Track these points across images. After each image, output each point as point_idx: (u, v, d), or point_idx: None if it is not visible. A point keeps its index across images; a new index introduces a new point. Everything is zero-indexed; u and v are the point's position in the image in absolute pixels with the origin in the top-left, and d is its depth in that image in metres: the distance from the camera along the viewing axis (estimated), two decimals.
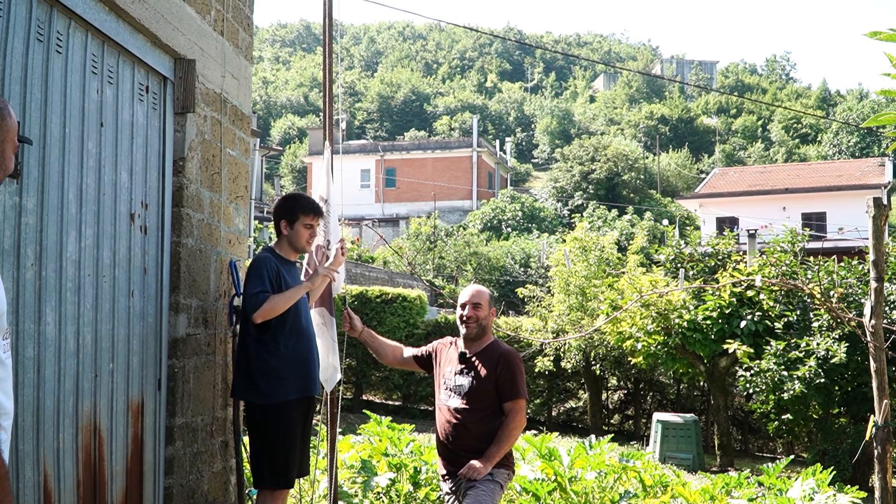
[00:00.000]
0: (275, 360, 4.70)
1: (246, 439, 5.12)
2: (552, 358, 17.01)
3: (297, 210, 4.92)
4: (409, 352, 5.24)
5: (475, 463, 4.52)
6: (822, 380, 11.73)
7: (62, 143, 3.85)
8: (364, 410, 13.74)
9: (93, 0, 4.04)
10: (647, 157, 66.04)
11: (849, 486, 7.97)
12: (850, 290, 12.09)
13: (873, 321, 5.70)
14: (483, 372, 4.70)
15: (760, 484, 8.19)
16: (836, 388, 12.06)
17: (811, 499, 7.02)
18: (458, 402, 4.71)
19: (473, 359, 4.78)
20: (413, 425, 8.91)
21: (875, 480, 5.68)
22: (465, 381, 4.74)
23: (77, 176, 3.96)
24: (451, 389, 4.78)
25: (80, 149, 3.99)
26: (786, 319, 13.06)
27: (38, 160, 3.68)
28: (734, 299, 13.54)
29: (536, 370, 17.05)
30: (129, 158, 4.45)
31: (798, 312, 13.09)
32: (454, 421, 4.69)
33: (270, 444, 4.72)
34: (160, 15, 4.57)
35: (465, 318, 4.82)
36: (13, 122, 2.43)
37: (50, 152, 3.76)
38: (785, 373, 12.00)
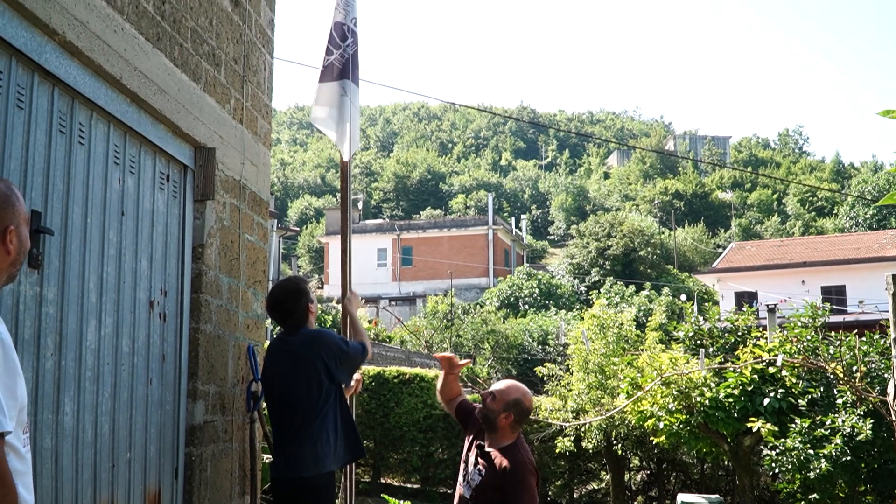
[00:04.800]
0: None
1: None
2: (573, 438, 16.78)
3: (308, 291, 5.04)
4: (460, 399, 5.11)
5: None
6: (849, 457, 11.50)
7: (83, 232, 3.89)
8: (382, 494, 13.53)
9: (115, 92, 4.12)
10: (662, 233, 66.10)
11: None
12: (873, 365, 11.94)
13: None
14: (492, 474, 4.53)
15: None
16: (863, 465, 11.82)
17: None
18: (468, 493, 4.60)
19: (490, 454, 4.61)
20: None
21: None
22: (476, 475, 4.60)
23: (97, 265, 4.00)
24: (465, 477, 4.67)
25: (101, 238, 4.03)
26: (809, 396, 12.87)
27: (59, 250, 3.72)
28: (756, 376, 13.37)
29: (557, 451, 16.81)
30: (150, 246, 4.49)
31: (822, 389, 12.90)
32: None
33: None
34: (181, 105, 4.66)
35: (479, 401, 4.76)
36: (22, 202, 2.46)
37: (71, 242, 3.80)
38: (811, 451, 11.78)
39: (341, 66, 6.01)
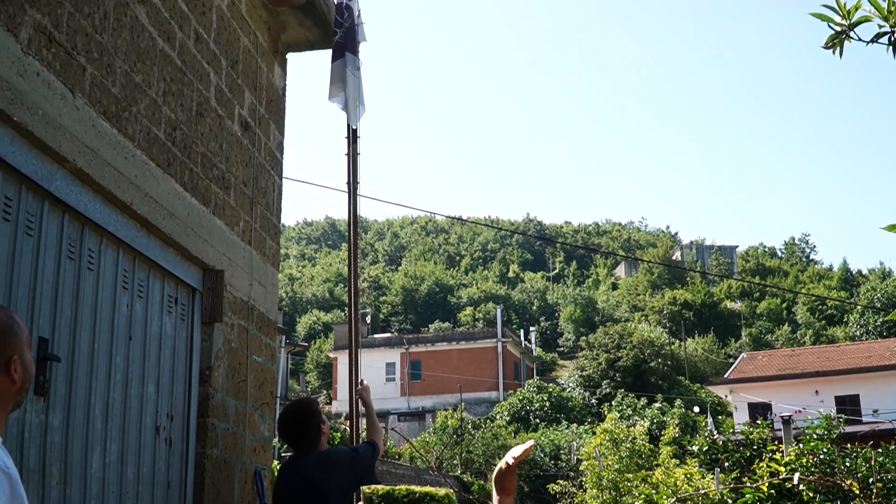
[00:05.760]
0: None
1: None
2: None
3: (320, 411, 4.99)
4: None
5: None
6: None
7: (90, 359, 3.87)
8: None
9: (125, 218, 4.17)
10: (673, 343, 65.72)
11: None
12: (890, 476, 11.67)
13: None
14: None
15: None
16: None
17: None
18: None
19: None
20: None
21: None
22: None
23: (104, 391, 3.96)
24: None
25: (108, 364, 4.01)
26: None
27: (66, 377, 3.69)
28: (773, 491, 13.08)
29: None
30: (157, 370, 4.46)
31: (839, 502, 12.59)
32: None
33: None
34: (190, 229, 4.70)
35: None
36: (23, 327, 2.45)
37: (78, 369, 3.78)
38: None
39: (343, 42, 6.56)
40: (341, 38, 6.52)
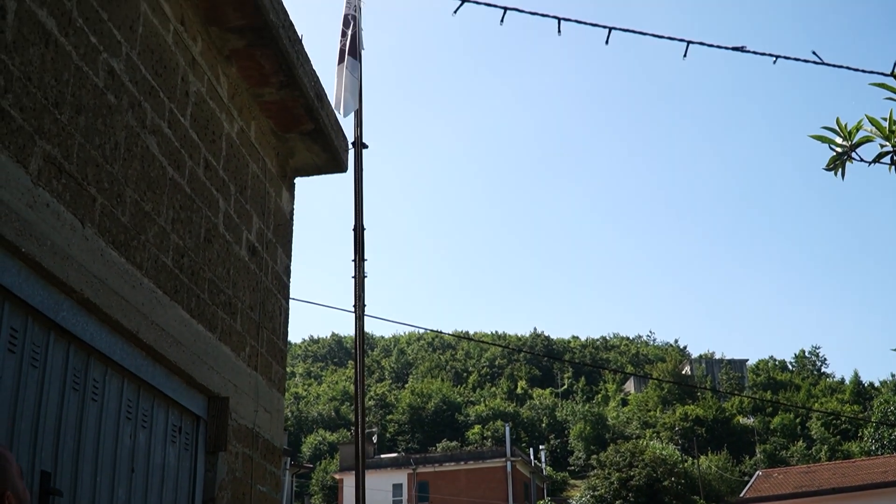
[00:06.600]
0: None
1: None
2: None
3: None
4: None
5: None
6: None
7: (93, 492, 3.78)
8: None
9: (130, 346, 4.13)
10: (686, 461, 64.45)
11: None
12: None
13: None
14: None
15: None
16: None
17: None
18: None
19: None
20: None
21: None
22: None
23: None
24: None
25: (110, 496, 3.91)
26: None
27: None
28: None
29: None
30: (159, 502, 4.35)
31: None
32: None
33: None
34: (196, 356, 4.66)
35: None
36: (11, 459, 2.40)
37: (79, 502, 3.68)
38: None
39: (345, 48, 7.58)
40: (345, 45, 7.54)
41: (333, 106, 7.19)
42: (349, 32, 7.52)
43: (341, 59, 7.50)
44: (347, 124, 8.21)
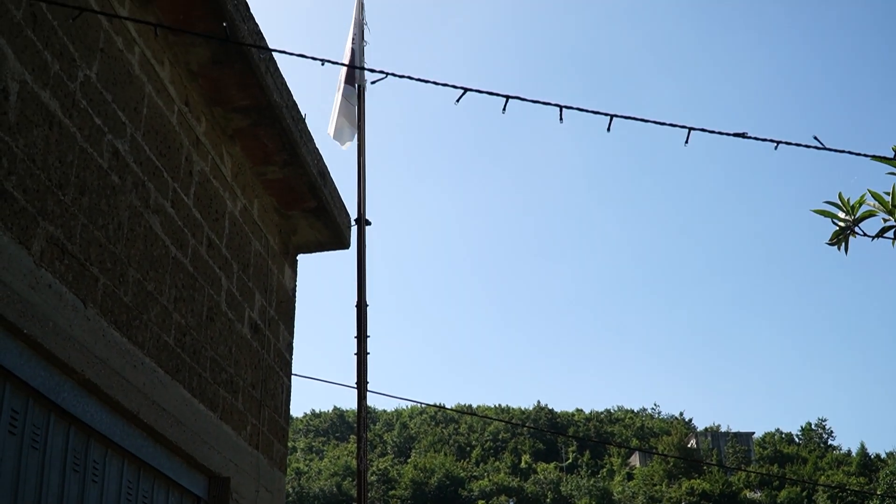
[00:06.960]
0: None
1: None
2: None
3: None
4: None
5: None
6: None
7: None
8: None
9: (131, 427, 4.09)
10: None
11: None
12: None
13: None
14: None
15: None
16: None
17: None
18: None
19: None
20: None
21: None
22: None
23: None
24: None
25: None
26: None
27: None
28: None
29: None
30: None
31: None
32: None
33: None
34: (197, 436, 4.61)
35: None
36: None
37: None
38: None
39: (342, 77, 8.00)
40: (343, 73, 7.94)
41: (332, 136, 7.57)
42: (347, 56, 7.84)
43: (345, 82, 7.87)
44: (350, 199, 8.28)
